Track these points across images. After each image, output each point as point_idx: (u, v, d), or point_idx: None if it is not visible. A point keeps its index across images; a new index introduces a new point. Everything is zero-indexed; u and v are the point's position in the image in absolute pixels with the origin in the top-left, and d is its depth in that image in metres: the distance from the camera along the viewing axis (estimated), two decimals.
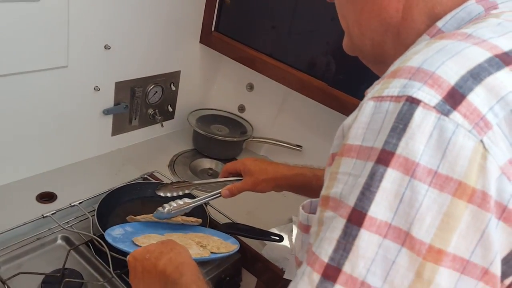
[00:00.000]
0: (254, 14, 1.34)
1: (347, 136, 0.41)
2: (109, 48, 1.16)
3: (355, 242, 0.37)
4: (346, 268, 0.37)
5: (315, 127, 1.38)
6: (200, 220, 1.01)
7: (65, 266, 0.88)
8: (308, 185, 0.90)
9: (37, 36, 0.99)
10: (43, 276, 0.86)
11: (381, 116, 0.38)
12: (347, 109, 1.16)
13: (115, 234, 0.88)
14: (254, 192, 0.95)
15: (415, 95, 0.37)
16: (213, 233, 0.98)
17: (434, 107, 0.36)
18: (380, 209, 0.37)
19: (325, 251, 0.38)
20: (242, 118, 1.53)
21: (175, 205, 0.95)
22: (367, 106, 0.40)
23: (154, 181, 1.20)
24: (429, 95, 0.37)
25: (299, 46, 1.27)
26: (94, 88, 1.18)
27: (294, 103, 1.40)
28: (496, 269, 0.37)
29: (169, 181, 1.20)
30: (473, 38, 0.41)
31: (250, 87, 1.50)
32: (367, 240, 0.37)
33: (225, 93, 1.56)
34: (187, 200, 0.96)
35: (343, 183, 0.40)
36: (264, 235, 1.05)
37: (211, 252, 0.89)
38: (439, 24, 0.47)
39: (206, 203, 1.12)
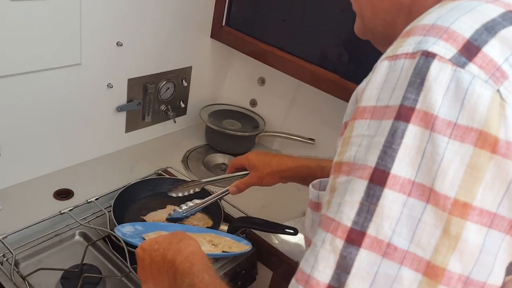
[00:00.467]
0: (265, 8, 1.34)
1: (361, 99, 0.40)
2: (121, 45, 1.17)
3: (379, 202, 0.36)
4: (371, 230, 0.36)
5: (327, 120, 1.38)
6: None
7: (84, 262, 0.90)
8: (313, 176, 0.88)
9: (50, 35, 1.00)
10: (62, 271, 0.88)
11: (395, 74, 0.38)
12: None
13: (125, 231, 0.88)
14: (260, 186, 0.96)
15: (430, 49, 0.37)
16: (225, 235, 0.98)
17: (449, 60, 0.36)
18: (403, 166, 0.36)
19: (347, 216, 0.37)
20: (254, 113, 1.53)
21: (186, 207, 0.98)
22: (381, 66, 0.39)
23: (168, 176, 1.21)
24: (445, 49, 0.37)
25: (310, 39, 1.26)
26: (107, 85, 1.19)
27: (306, 96, 1.40)
28: None
29: (183, 177, 1.21)
30: None
31: (262, 81, 1.49)
32: (391, 200, 0.36)
33: (236, 88, 1.56)
34: (197, 201, 0.99)
35: (356, 145, 0.39)
36: (279, 229, 1.05)
37: (223, 251, 0.89)
38: None
39: (219, 199, 1.13)
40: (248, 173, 0.97)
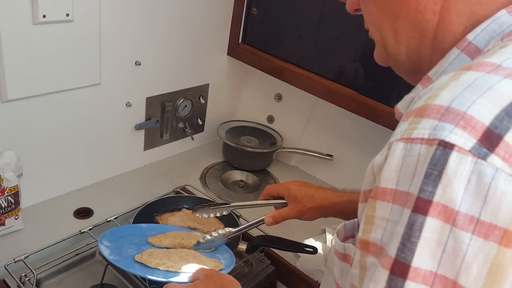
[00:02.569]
0: (280, 24, 1.34)
1: (379, 178, 0.40)
2: (140, 64, 1.18)
3: None
4: None
5: (345, 135, 1.37)
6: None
7: (103, 281, 0.90)
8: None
9: (72, 56, 1.02)
10: None
11: (413, 159, 0.37)
12: (377, 117, 1.14)
13: (108, 249, 0.85)
14: (299, 220, 0.91)
15: (447, 139, 0.35)
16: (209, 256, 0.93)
17: (469, 151, 0.35)
18: (423, 259, 0.36)
19: None
20: (272, 129, 1.53)
21: (216, 235, 0.91)
22: (397, 147, 0.38)
23: (186, 194, 1.21)
24: (463, 138, 0.35)
25: (326, 55, 1.26)
26: (126, 104, 1.21)
27: (323, 112, 1.39)
28: None
29: (201, 195, 1.21)
30: (503, 69, 0.38)
31: (279, 97, 1.50)
32: None
33: (253, 104, 1.57)
34: (228, 229, 0.92)
35: (382, 228, 0.39)
36: (298, 247, 1.03)
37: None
38: (470, 37, 0.45)
39: (238, 216, 1.13)
40: (284, 203, 0.92)
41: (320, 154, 1.40)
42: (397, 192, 0.38)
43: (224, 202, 1.01)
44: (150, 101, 1.27)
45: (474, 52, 0.45)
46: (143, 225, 0.99)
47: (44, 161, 1.08)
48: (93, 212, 1.12)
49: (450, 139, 0.35)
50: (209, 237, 0.91)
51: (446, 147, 0.35)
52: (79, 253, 0.98)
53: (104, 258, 0.84)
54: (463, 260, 0.35)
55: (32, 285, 0.86)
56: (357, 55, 1.20)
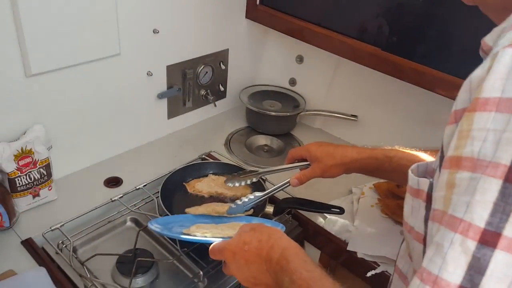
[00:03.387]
0: None
1: (481, 89, 0.38)
2: (158, 32, 1.17)
3: None
4: (507, 232, 0.35)
5: (370, 95, 1.34)
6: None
7: (136, 246, 0.93)
8: (381, 168, 0.87)
9: (90, 28, 1.02)
10: (117, 256, 0.91)
11: None
12: (403, 73, 1.10)
13: (160, 227, 0.86)
14: (323, 178, 0.92)
15: None
16: (262, 221, 0.96)
17: None
18: None
19: (479, 216, 0.36)
20: (294, 92, 1.51)
21: (246, 200, 0.94)
22: (505, 54, 0.37)
23: (212, 160, 1.22)
24: None
25: (347, 12, 1.22)
26: (147, 73, 1.21)
27: (346, 72, 1.36)
28: None
29: (226, 161, 1.22)
30: None
31: (300, 59, 1.47)
32: None
33: (274, 68, 1.54)
34: (257, 193, 0.95)
35: (481, 140, 0.37)
36: (325, 208, 1.04)
37: None
38: None
39: (264, 180, 1.13)
40: (308, 164, 0.94)
41: (344, 115, 1.38)
42: (502, 100, 0.36)
43: (252, 169, 1.02)
44: (170, 69, 1.27)
45: None
46: (193, 215, 0.99)
47: (71, 133, 1.11)
48: (122, 181, 1.15)
49: None
50: (239, 202, 0.94)
51: None
52: (111, 220, 1.02)
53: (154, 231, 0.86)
54: None
55: (69, 251, 0.90)
56: (380, 10, 1.15)
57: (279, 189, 0.96)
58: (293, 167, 0.97)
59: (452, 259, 0.37)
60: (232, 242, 0.68)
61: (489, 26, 0.48)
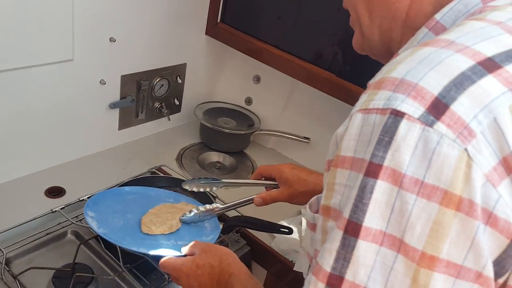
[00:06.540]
0: (260, 5, 1.33)
1: (340, 147, 0.42)
2: (114, 41, 1.15)
3: (354, 252, 0.39)
4: (348, 276, 0.39)
5: (323, 118, 1.37)
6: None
7: (76, 261, 0.88)
8: None
9: (42, 30, 0.98)
10: (54, 270, 0.86)
11: (369, 128, 0.40)
12: (354, 99, 1.13)
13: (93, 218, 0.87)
14: (289, 203, 0.91)
15: (399, 108, 0.38)
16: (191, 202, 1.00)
17: (418, 119, 0.37)
18: (374, 219, 0.38)
19: (327, 261, 0.40)
20: (249, 111, 1.52)
21: (204, 210, 0.91)
22: (356, 118, 0.41)
23: (162, 175, 1.20)
24: (413, 107, 0.38)
25: (305, 37, 1.26)
26: (100, 82, 1.18)
27: (302, 94, 1.39)
28: (489, 271, 0.38)
29: (177, 176, 1.20)
30: (455, 45, 0.41)
31: (257, 79, 1.48)
32: (365, 249, 0.39)
33: (232, 86, 1.55)
34: (216, 205, 0.92)
35: (340, 194, 0.42)
36: (273, 228, 1.04)
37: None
38: (438, 16, 0.48)
39: (214, 197, 1.12)
40: (275, 184, 0.91)
41: (297, 136, 1.40)
42: (355, 159, 0.40)
43: (215, 177, 0.98)
44: (125, 79, 1.24)
45: (441, 31, 0.48)
46: (125, 188, 1.00)
47: (13, 139, 1.05)
48: (65, 192, 1.10)
49: (401, 108, 0.38)
50: (196, 211, 0.91)
51: (397, 115, 0.38)
52: (50, 232, 0.96)
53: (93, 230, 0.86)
54: (408, 220, 0.37)
55: (2, 263, 0.84)
56: (336, 39, 1.20)
57: (240, 205, 0.92)
58: (259, 184, 0.93)
59: None
60: (186, 264, 0.72)
61: None
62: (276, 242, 1.07)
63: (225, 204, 0.94)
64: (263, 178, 0.94)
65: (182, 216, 0.92)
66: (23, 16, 0.94)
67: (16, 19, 0.93)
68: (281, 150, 1.49)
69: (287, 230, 1.02)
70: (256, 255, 1.08)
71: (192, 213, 0.91)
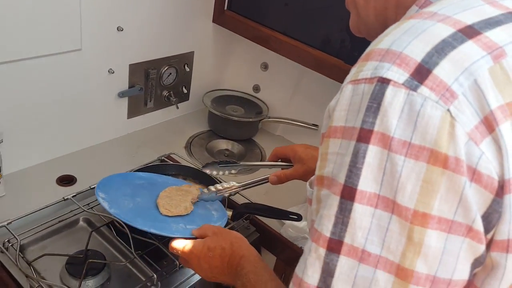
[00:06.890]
0: None
1: (332, 118, 0.44)
2: (122, 30, 1.15)
3: (351, 215, 0.41)
4: (347, 239, 0.41)
5: None
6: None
7: (88, 247, 0.90)
8: None
9: (50, 20, 0.99)
10: (67, 257, 0.88)
11: (358, 97, 0.41)
12: None
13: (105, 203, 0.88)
14: (303, 181, 0.90)
15: (385, 75, 0.40)
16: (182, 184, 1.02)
17: (403, 84, 0.39)
18: (367, 182, 0.40)
19: (326, 227, 0.42)
20: (257, 98, 1.52)
21: (221, 188, 0.92)
22: (346, 89, 0.43)
23: (171, 162, 1.20)
24: (398, 74, 0.40)
25: (313, 23, 1.24)
26: (109, 71, 1.18)
27: (310, 81, 1.38)
28: (479, 225, 0.40)
29: (186, 163, 1.21)
30: (438, 16, 0.43)
31: (265, 66, 1.48)
32: (361, 212, 0.40)
33: (239, 73, 1.55)
34: (233, 183, 0.93)
35: (333, 162, 0.43)
36: (283, 215, 1.05)
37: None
38: None
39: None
40: (291, 165, 0.92)
41: (305, 123, 1.40)
42: (346, 128, 0.42)
43: (234, 161, 0.99)
44: (133, 68, 1.24)
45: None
46: (134, 174, 1.02)
47: (24, 128, 1.06)
48: (76, 180, 1.11)
49: (387, 75, 0.40)
50: (213, 189, 0.92)
51: (384, 82, 0.40)
52: (63, 220, 0.98)
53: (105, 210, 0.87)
54: (399, 181, 0.39)
55: (16, 250, 0.86)
56: (344, 25, 1.18)
57: (256, 183, 0.93)
58: (275, 165, 0.95)
59: (310, 264, 0.43)
60: (197, 247, 0.73)
61: None
62: (285, 229, 1.08)
63: (242, 182, 0.94)
64: (279, 160, 0.96)
65: (200, 195, 0.93)
66: (31, 6, 0.94)
67: (24, 9, 0.93)
68: (290, 137, 1.49)
69: (296, 217, 1.03)
70: (266, 241, 1.09)
71: (211, 191, 0.92)
